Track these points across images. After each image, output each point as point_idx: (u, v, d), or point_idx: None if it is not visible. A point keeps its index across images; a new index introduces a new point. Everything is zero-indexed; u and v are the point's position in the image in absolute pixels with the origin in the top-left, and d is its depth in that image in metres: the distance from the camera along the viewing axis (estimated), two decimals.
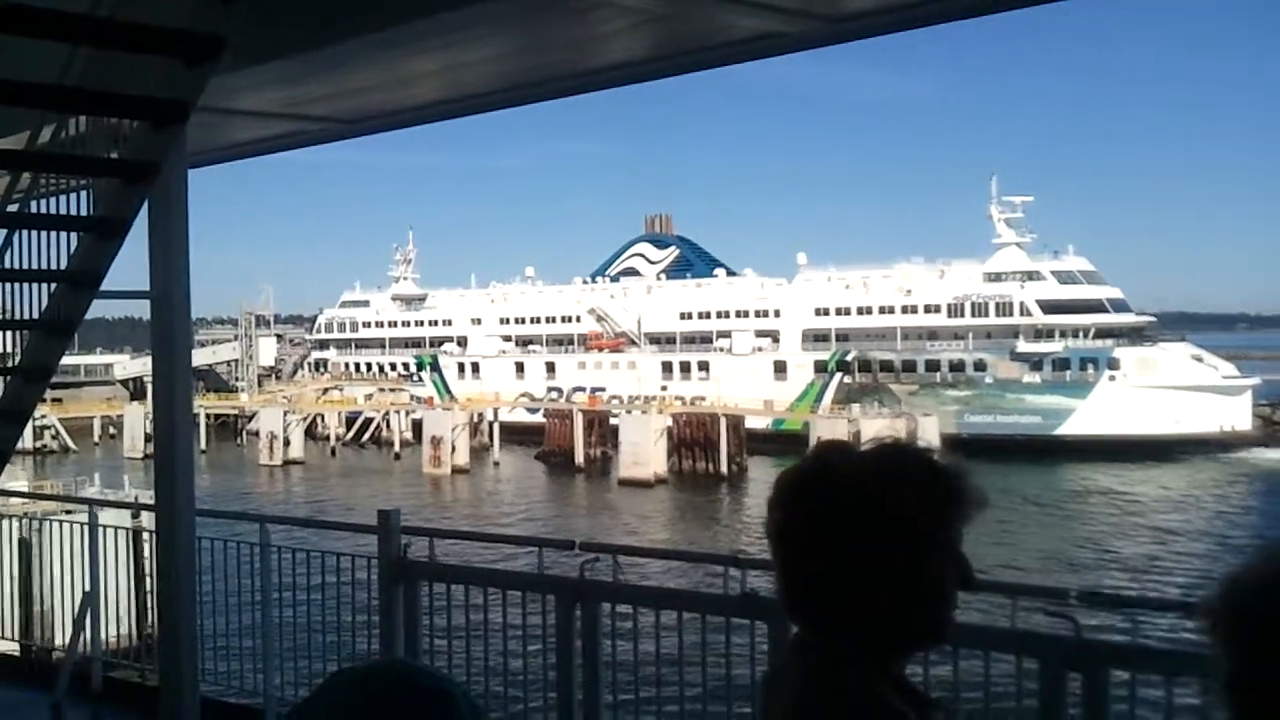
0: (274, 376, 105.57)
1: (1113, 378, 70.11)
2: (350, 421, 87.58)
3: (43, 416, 78.13)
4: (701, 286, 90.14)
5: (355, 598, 7.86)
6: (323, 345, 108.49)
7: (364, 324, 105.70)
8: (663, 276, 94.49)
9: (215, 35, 4.76)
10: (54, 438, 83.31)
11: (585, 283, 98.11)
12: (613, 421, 72.75)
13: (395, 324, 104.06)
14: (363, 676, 1.53)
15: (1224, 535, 46.67)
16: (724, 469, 67.28)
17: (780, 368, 79.51)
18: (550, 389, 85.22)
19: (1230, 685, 1.46)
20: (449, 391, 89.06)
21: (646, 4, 5.06)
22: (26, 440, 66.12)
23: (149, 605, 10.65)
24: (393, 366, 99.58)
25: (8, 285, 5.17)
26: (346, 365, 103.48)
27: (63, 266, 5.02)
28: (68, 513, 11.37)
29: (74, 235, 5.05)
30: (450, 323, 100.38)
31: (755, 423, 71.25)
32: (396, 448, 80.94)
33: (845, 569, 1.77)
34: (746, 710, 6.06)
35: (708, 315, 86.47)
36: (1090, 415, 68.97)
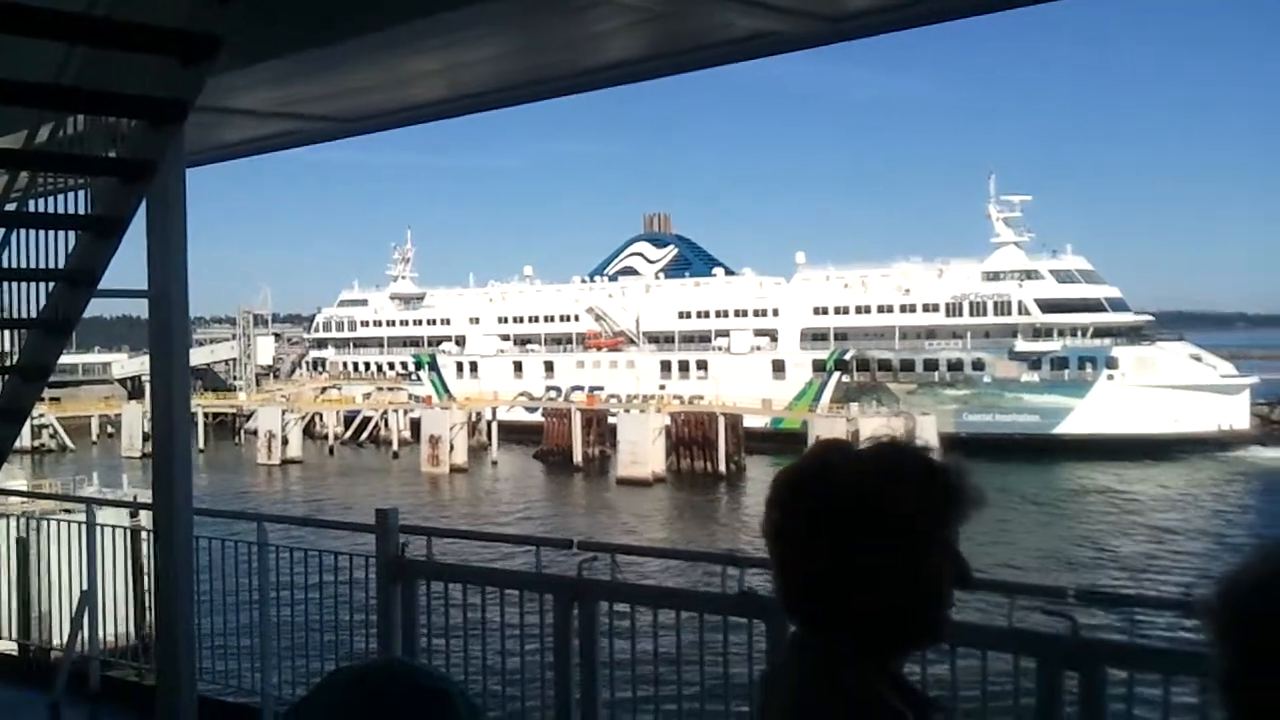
0: (272, 375, 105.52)
1: (1111, 377, 70.16)
2: (348, 420, 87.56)
3: (41, 415, 78.09)
4: (700, 286, 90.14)
5: (353, 597, 7.86)
6: (321, 344, 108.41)
7: (362, 323, 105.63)
8: (661, 275, 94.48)
9: (212, 35, 4.76)
10: (52, 437, 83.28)
11: (584, 282, 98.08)
12: (611, 420, 72.77)
13: (393, 323, 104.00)
14: (360, 675, 1.53)
15: (1222, 534, 46.71)
16: (722, 468, 67.28)
17: (778, 367, 79.52)
18: (548, 388, 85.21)
19: (1228, 684, 1.47)
20: (447, 390, 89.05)
21: (644, 2, 5.06)
22: (24, 439, 66.19)
23: (147, 604, 10.65)
24: (391, 366, 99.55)
25: (6, 284, 5.16)
26: (344, 364, 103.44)
27: (60, 265, 5.01)
28: (66, 512, 11.38)
29: (72, 234, 5.05)
30: (448, 322, 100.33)
31: (753, 422, 71.24)
32: (395, 447, 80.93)
33: (843, 568, 1.77)
34: (744, 709, 6.07)
35: (706, 314, 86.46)
36: (1088, 414, 69.01)
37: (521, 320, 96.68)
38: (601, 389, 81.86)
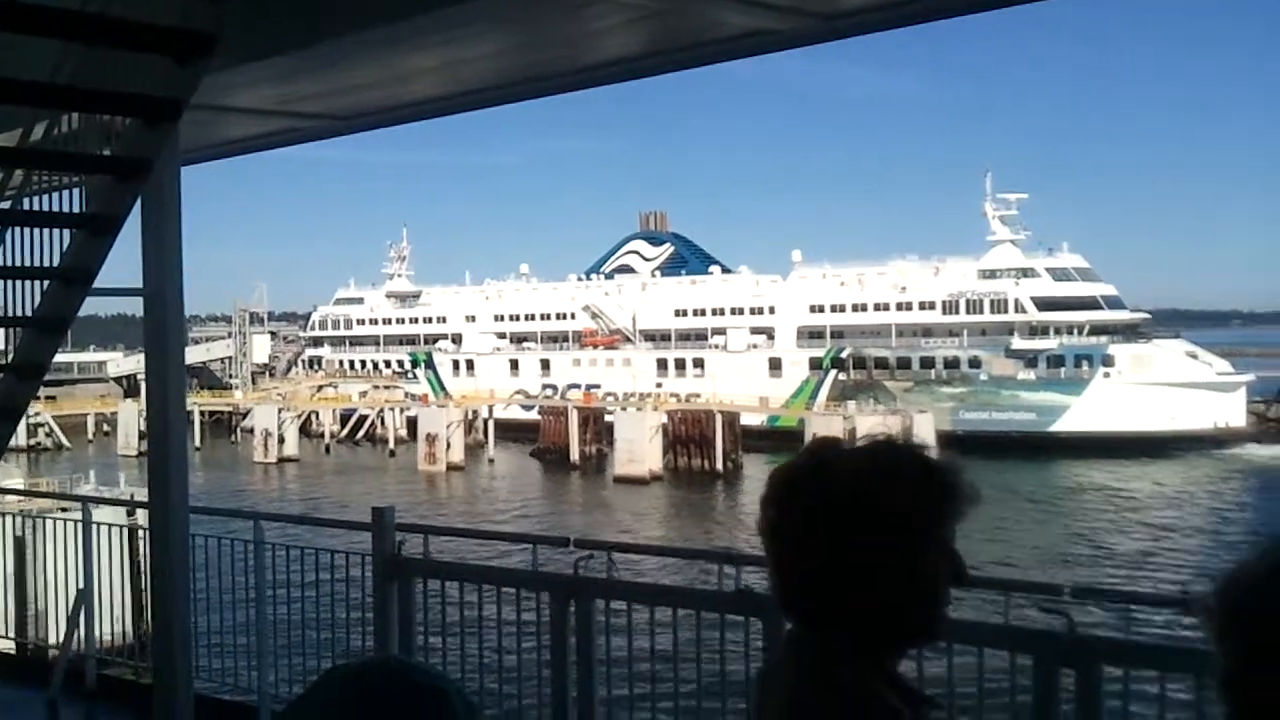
0: (268, 374, 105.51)
1: (1107, 374, 70.26)
2: (345, 419, 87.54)
3: (36, 414, 78.05)
4: (696, 284, 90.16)
5: (350, 595, 7.85)
6: (317, 342, 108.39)
7: (358, 321, 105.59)
8: (657, 273, 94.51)
9: (208, 33, 4.75)
10: (48, 435, 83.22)
11: (580, 280, 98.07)
12: (608, 419, 72.81)
13: (390, 321, 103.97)
14: (357, 673, 1.53)
15: (1218, 531, 46.82)
16: (719, 466, 67.35)
17: (775, 365, 79.57)
18: (545, 386, 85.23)
19: (1227, 682, 1.47)
20: (444, 389, 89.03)
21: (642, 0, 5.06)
22: (20, 438, 66.12)
23: (145, 603, 10.64)
24: (387, 364, 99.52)
25: (0, 282, 5.15)
26: (341, 362, 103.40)
27: (55, 264, 5.00)
28: (63, 510, 11.37)
29: (67, 232, 5.04)
30: (445, 320, 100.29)
31: (750, 420, 71.28)
32: (391, 445, 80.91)
33: (839, 566, 1.78)
34: (741, 707, 6.07)
35: (703, 312, 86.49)
36: (1085, 412, 69.11)
37: (518, 318, 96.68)
38: (598, 387, 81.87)
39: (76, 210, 5.13)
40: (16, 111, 5.17)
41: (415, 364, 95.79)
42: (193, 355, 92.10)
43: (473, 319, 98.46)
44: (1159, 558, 42.52)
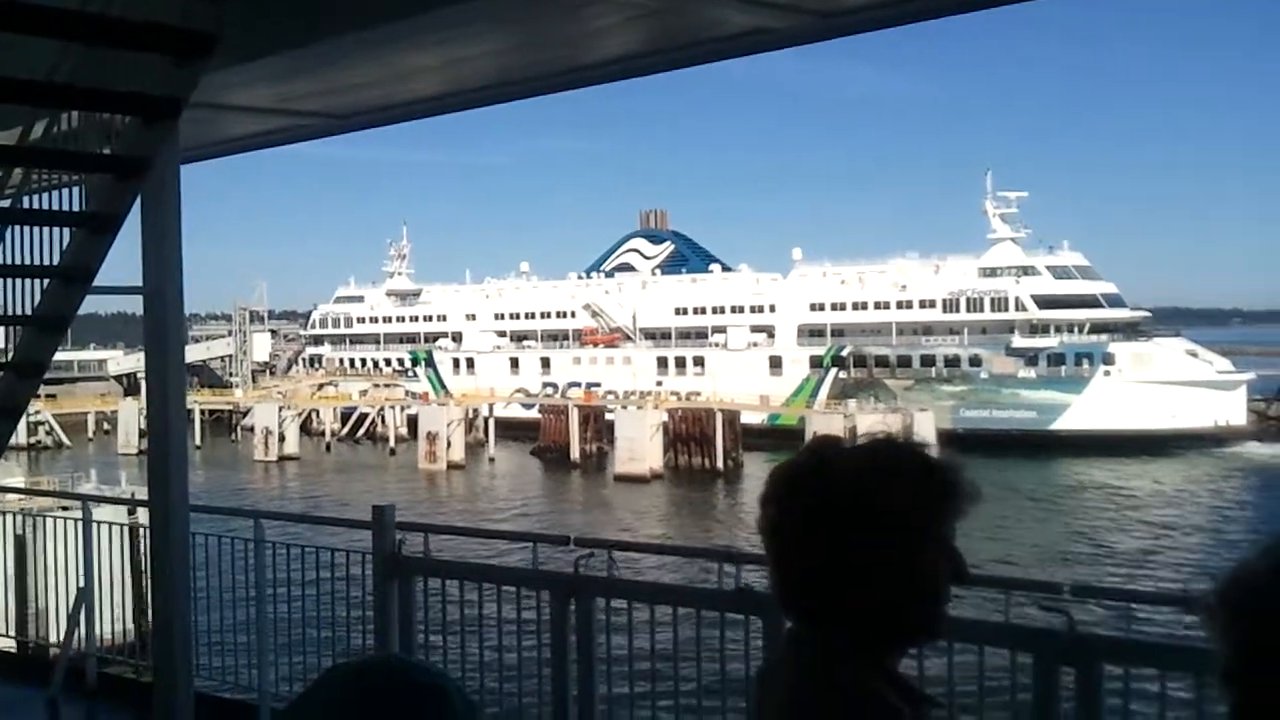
0: (268, 372, 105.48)
1: (1108, 373, 70.22)
2: (345, 417, 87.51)
3: (37, 412, 77.99)
4: (697, 282, 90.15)
5: (350, 593, 7.85)
6: (317, 341, 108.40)
7: (358, 319, 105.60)
8: (658, 272, 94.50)
9: (208, 32, 4.75)
10: (48, 433, 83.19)
11: (580, 278, 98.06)
12: (608, 417, 72.80)
13: (390, 319, 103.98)
14: (357, 672, 1.53)
15: (1218, 530, 46.81)
16: (719, 464, 67.34)
17: (775, 363, 79.57)
18: (545, 384, 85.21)
19: (1229, 680, 1.47)
20: (444, 387, 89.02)
21: None
22: (20, 436, 66.13)
23: (146, 601, 10.64)
24: (387, 362, 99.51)
25: (1, 281, 5.15)
26: (341, 361, 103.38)
27: (55, 262, 5.01)
28: (64, 509, 11.37)
29: (67, 231, 5.04)
30: (445, 318, 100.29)
31: (751, 418, 71.27)
32: (392, 443, 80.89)
33: (839, 564, 1.77)
34: (741, 705, 6.07)
35: (703, 311, 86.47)
36: (1085, 410, 69.08)
37: (518, 317, 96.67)
38: (598, 385, 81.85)
39: (76, 209, 5.13)
40: (16, 110, 5.17)
41: (416, 362, 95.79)
42: (193, 354, 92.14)
43: (473, 317, 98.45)
44: (1159, 556, 42.52)
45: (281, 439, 77.59)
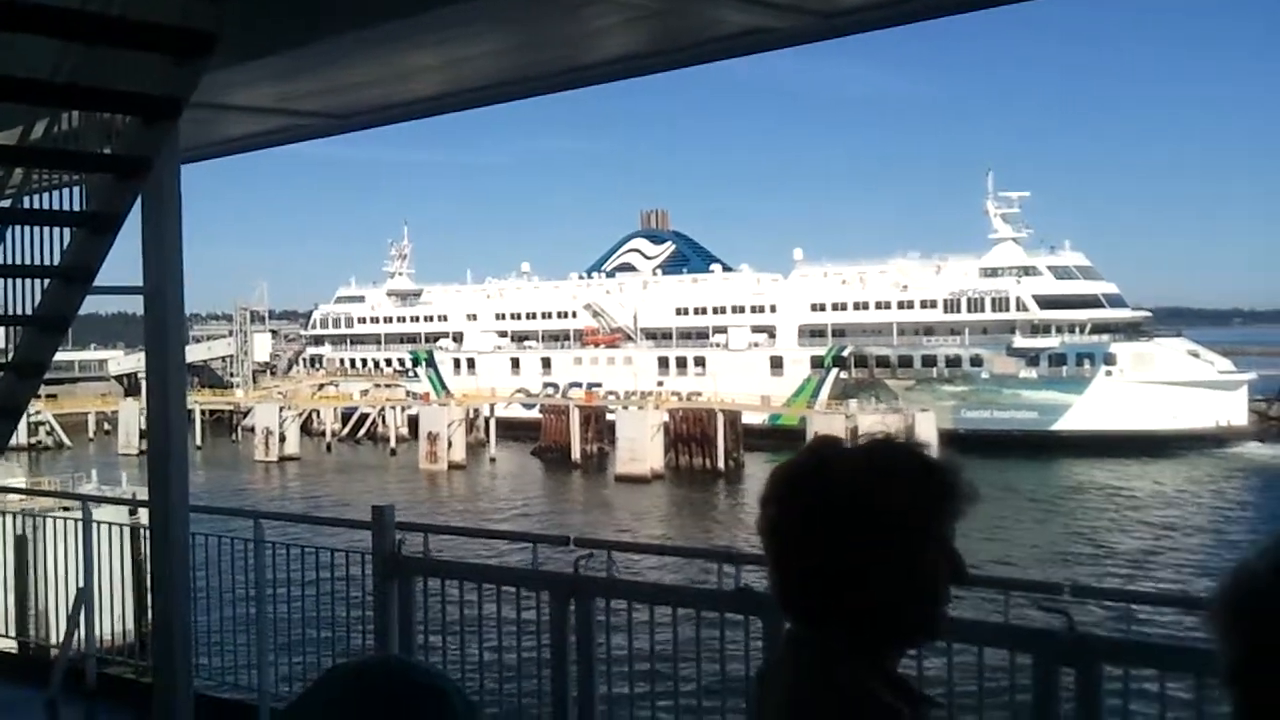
0: (269, 372, 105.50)
1: (1109, 373, 70.22)
2: (346, 417, 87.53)
3: (37, 413, 78.01)
4: (698, 282, 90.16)
5: (350, 593, 7.86)
6: (318, 341, 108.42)
7: (359, 319, 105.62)
8: (659, 272, 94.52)
9: (208, 31, 4.75)
10: (49, 434, 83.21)
11: (581, 278, 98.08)
12: (609, 417, 72.80)
13: (391, 320, 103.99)
14: (357, 672, 1.53)
15: (1219, 531, 46.80)
16: (720, 465, 67.34)
17: (776, 363, 79.57)
18: (546, 385, 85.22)
19: (1232, 680, 1.47)
20: (445, 387, 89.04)
21: None
22: (21, 436, 66.15)
23: (147, 602, 10.65)
24: (388, 362, 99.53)
25: (1, 281, 5.15)
26: (342, 361, 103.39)
27: (56, 262, 5.01)
28: (64, 509, 11.36)
29: (67, 231, 5.04)
30: (446, 318, 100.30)
31: (752, 418, 71.29)
32: (392, 443, 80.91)
33: (838, 564, 1.77)
34: (741, 705, 6.07)
35: (704, 311, 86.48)
36: (1086, 411, 69.07)
37: (519, 317, 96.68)
38: (599, 386, 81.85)
39: (77, 209, 5.13)
40: (16, 110, 5.17)
41: (416, 362, 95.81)
42: (193, 354, 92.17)
43: (474, 317, 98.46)
44: (1160, 557, 42.51)
45: (282, 439, 77.60)
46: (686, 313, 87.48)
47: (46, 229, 5.06)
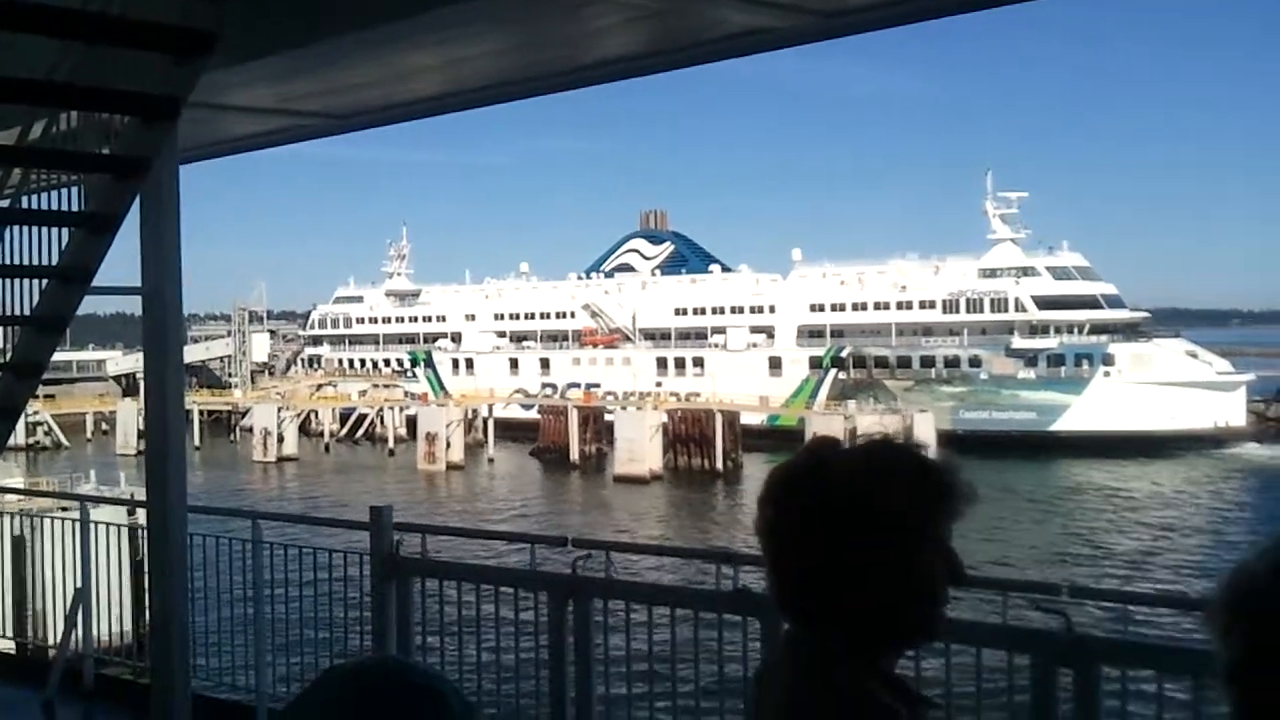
0: (267, 373, 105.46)
1: (1107, 373, 70.25)
2: (344, 418, 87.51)
3: (35, 413, 78.00)
4: (696, 282, 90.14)
5: (347, 594, 7.86)
6: (316, 341, 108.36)
7: (358, 320, 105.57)
8: (657, 272, 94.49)
9: (208, 31, 4.75)
10: (47, 434, 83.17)
11: (580, 279, 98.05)
12: (608, 418, 72.79)
13: (389, 320, 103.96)
14: (355, 673, 1.53)
15: (1217, 531, 46.82)
16: (719, 465, 67.35)
17: (775, 364, 79.57)
18: (545, 385, 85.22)
19: (1231, 680, 1.47)
20: (443, 388, 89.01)
21: None
22: (19, 436, 66.12)
23: (146, 603, 10.64)
24: (386, 363, 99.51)
25: None
26: (340, 361, 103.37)
27: (54, 262, 5.00)
28: (63, 510, 11.35)
29: (65, 231, 5.03)
30: (444, 319, 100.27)
31: (750, 419, 71.27)
32: (391, 444, 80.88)
33: (836, 565, 1.78)
34: (739, 706, 6.07)
35: (703, 311, 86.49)
36: (1085, 411, 69.10)
37: (517, 317, 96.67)
38: (598, 386, 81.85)
39: (75, 209, 5.12)
40: (15, 110, 5.16)
41: (415, 363, 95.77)
42: (192, 354, 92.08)
43: (472, 318, 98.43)
44: (1158, 558, 42.54)
45: (280, 440, 77.58)
46: (685, 313, 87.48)
47: (45, 229, 5.05)
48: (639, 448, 66.17)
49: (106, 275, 5.17)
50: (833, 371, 77.10)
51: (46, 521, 10.63)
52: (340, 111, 7.10)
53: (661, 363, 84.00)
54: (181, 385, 5.94)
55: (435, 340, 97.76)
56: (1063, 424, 69.39)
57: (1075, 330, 72.72)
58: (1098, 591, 8.23)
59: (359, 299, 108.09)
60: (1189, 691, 4.81)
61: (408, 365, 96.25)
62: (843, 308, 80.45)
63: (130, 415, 76.59)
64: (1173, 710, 4.92)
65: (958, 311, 76.04)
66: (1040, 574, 33.77)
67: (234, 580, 8.36)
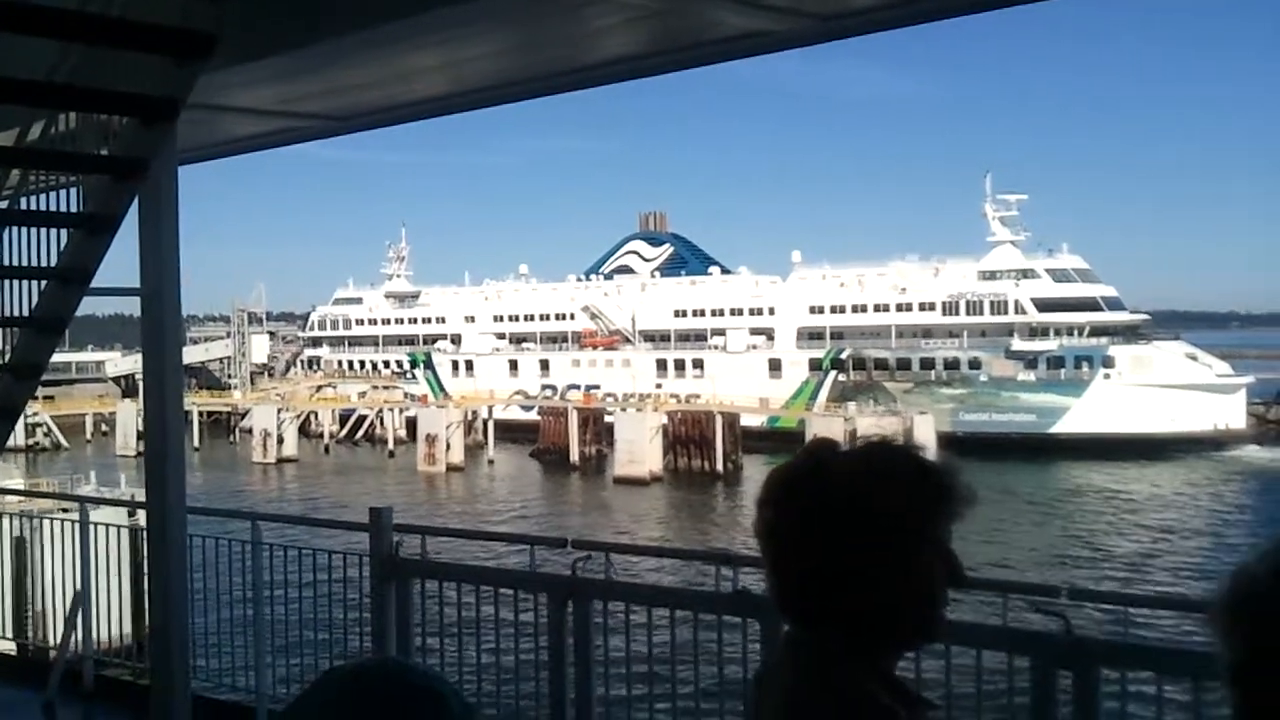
0: (267, 374, 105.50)
1: (1107, 376, 70.26)
2: (344, 419, 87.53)
3: (34, 414, 78.03)
4: (696, 284, 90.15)
5: (347, 595, 7.85)
6: (316, 343, 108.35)
7: (357, 321, 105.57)
8: (657, 274, 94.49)
9: (208, 32, 4.75)
10: (46, 435, 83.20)
11: (579, 280, 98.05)
12: (608, 419, 72.81)
13: (389, 321, 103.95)
14: (354, 675, 1.53)
15: (1217, 534, 46.81)
16: (719, 467, 67.35)
17: (775, 365, 79.58)
18: (544, 387, 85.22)
19: (1230, 682, 1.47)
20: (443, 389, 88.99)
21: None
22: (18, 438, 66.12)
23: (145, 603, 10.63)
24: (386, 364, 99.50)
25: None
26: (340, 363, 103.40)
27: (53, 263, 5.00)
28: (63, 511, 11.35)
29: (64, 232, 5.03)
30: (444, 320, 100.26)
31: (750, 420, 71.26)
32: (390, 445, 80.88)
33: (835, 566, 1.77)
34: (739, 708, 6.06)
35: (702, 313, 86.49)
36: (1085, 413, 69.11)
37: (517, 319, 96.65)
38: (598, 388, 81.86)
39: (74, 210, 5.12)
40: (14, 111, 5.16)
41: (414, 364, 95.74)
42: (191, 355, 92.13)
43: (472, 319, 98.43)
44: (1158, 560, 42.53)
45: (280, 441, 77.58)
46: (685, 315, 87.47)
47: (44, 230, 5.05)
48: (639, 449, 66.18)
49: (105, 276, 5.18)
50: (832, 373, 77.09)
51: (46, 523, 10.63)
52: (341, 112, 7.10)
53: (661, 364, 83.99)
54: (180, 386, 5.94)
55: (435, 342, 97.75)
56: (1062, 426, 69.39)
57: (1075, 332, 72.72)
58: (1097, 593, 8.21)
59: (358, 300, 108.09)
60: (1188, 693, 4.81)
61: (407, 367, 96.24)
62: (842, 310, 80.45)
63: (129, 416, 76.62)
64: (1172, 712, 4.92)
65: (957, 314, 76.05)
66: (1040, 576, 33.77)
67: (234, 581, 8.35)
